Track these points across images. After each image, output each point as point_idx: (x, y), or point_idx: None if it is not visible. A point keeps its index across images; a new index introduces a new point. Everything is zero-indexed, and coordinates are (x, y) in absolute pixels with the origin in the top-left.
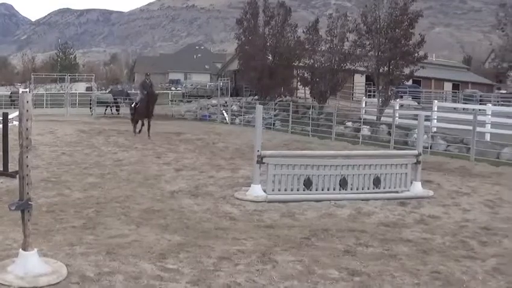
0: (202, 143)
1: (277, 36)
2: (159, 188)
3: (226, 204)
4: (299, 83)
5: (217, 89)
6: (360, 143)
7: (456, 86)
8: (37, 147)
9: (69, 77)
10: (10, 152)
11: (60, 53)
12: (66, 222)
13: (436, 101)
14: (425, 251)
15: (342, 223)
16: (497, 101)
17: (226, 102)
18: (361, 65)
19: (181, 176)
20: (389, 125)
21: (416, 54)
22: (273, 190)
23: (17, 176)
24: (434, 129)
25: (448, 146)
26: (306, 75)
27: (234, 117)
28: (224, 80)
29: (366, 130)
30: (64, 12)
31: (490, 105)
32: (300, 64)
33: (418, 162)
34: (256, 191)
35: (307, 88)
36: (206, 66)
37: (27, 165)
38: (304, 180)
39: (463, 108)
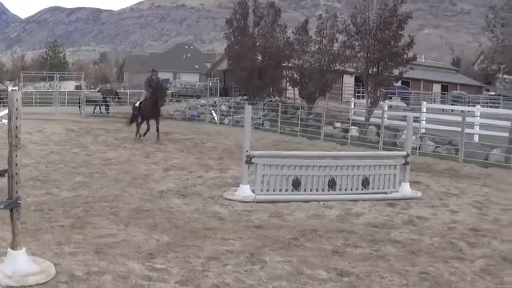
0: (191, 143)
1: (266, 36)
2: (148, 187)
3: (215, 204)
4: (288, 84)
5: (206, 89)
6: (348, 144)
7: (445, 87)
8: (26, 146)
9: (58, 76)
10: None
11: (50, 51)
12: (54, 221)
13: (424, 102)
14: (413, 252)
15: (331, 224)
16: (486, 103)
17: (215, 102)
18: (350, 66)
19: (170, 176)
20: (378, 126)
21: (405, 56)
22: (261, 190)
23: (6, 174)
24: (423, 131)
25: (437, 147)
26: (295, 75)
27: (223, 117)
28: (213, 79)
29: (354, 131)
30: (54, 10)
31: (479, 106)
32: (289, 64)
33: (406, 163)
34: (244, 191)
35: (296, 88)
36: (195, 66)
37: (16, 164)
38: (293, 181)
39: (452, 110)
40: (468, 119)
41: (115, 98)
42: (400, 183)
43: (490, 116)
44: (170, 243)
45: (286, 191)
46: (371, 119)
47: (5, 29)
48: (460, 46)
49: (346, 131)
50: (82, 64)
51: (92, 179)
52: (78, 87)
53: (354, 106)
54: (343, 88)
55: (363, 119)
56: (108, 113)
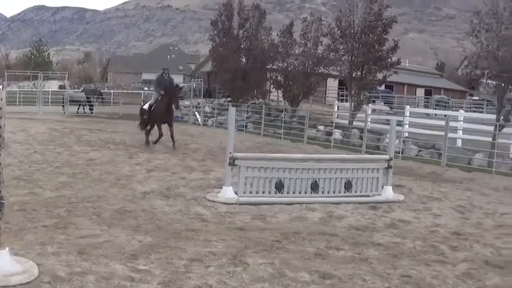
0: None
1: (251, 38)
2: (131, 188)
3: (198, 205)
4: (272, 86)
5: (190, 90)
6: (331, 147)
7: (429, 91)
8: (9, 145)
9: (42, 75)
10: None
11: (34, 51)
12: (37, 221)
13: (408, 107)
14: (395, 255)
15: (313, 226)
16: (470, 108)
17: (199, 104)
18: (334, 69)
19: (153, 177)
20: (361, 130)
21: (389, 60)
22: (244, 192)
23: None
24: (406, 134)
25: (420, 151)
26: (279, 78)
27: (207, 118)
28: (197, 81)
29: (337, 134)
30: (39, 9)
31: (462, 111)
32: (274, 67)
33: (389, 167)
34: (227, 193)
35: (280, 91)
36: (180, 67)
37: (0, 163)
38: (276, 183)
39: (435, 114)
40: (451, 124)
41: (99, 98)
42: (382, 187)
43: (473, 120)
44: (153, 244)
45: (269, 193)
46: (354, 123)
47: None
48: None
49: (330, 134)
50: (66, 64)
51: (75, 179)
52: (62, 87)
53: (338, 109)
54: (326, 91)
55: (347, 122)
56: (91, 113)
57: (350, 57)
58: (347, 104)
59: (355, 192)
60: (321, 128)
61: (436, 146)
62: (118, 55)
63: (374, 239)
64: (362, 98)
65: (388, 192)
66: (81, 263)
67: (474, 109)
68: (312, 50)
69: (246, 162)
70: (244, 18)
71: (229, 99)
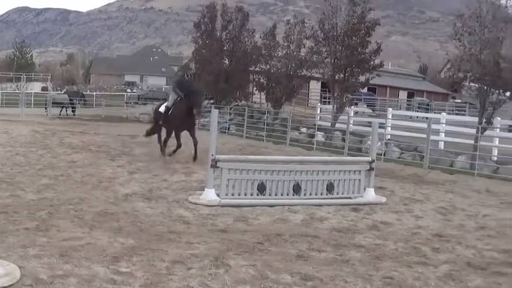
0: (156, 146)
1: (234, 40)
2: (113, 190)
3: (180, 208)
4: (255, 88)
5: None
6: (314, 149)
7: (411, 94)
8: None
9: (25, 77)
10: None
11: (17, 52)
12: (19, 224)
13: (390, 109)
14: (377, 257)
15: (295, 228)
16: (452, 110)
17: None
18: (317, 72)
19: (135, 179)
20: (343, 132)
21: (372, 62)
22: (226, 194)
23: None
24: (388, 137)
25: (402, 153)
26: (262, 80)
27: None
28: None
29: (320, 136)
30: (22, 10)
31: (445, 114)
32: (257, 69)
33: (371, 169)
34: (209, 195)
35: (263, 93)
36: (163, 69)
37: None
38: (258, 185)
39: (417, 117)
40: (434, 126)
41: (81, 100)
42: (364, 189)
43: (456, 123)
44: (135, 246)
45: (251, 195)
46: (337, 125)
47: None
48: (427, 54)
49: (312, 136)
50: (49, 65)
51: (57, 181)
52: (44, 89)
53: (320, 112)
54: (309, 93)
55: (329, 124)
56: (74, 115)
57: (333, 60)
58: (330, 107)
59: (337, 194)
60: (304, 130)
61: (418, 148)
62: (101, 57)
63: (356, 240)
64: (345, 101)
65: (370, 194)
66: (63, 265)
67: (457, 112)
68: (295, 53)
69: (228, 164)
70: (228, 21)
71: (211, 101)
